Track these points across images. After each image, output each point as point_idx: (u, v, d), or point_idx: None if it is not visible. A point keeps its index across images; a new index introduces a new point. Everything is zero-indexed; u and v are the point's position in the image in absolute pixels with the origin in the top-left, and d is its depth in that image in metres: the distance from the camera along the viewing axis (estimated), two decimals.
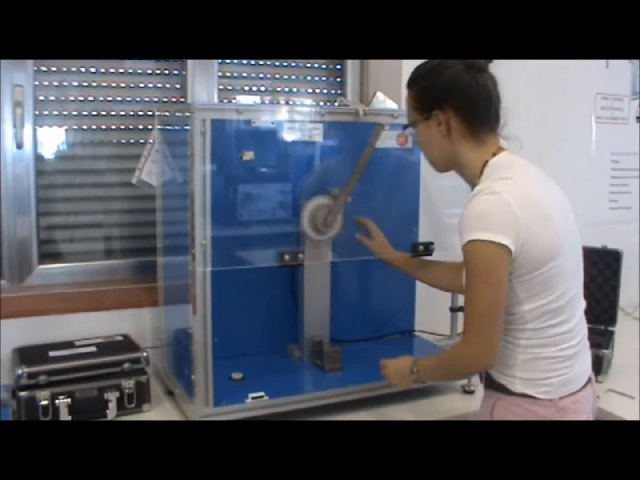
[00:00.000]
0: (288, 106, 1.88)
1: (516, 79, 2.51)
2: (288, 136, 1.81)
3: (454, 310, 2.25)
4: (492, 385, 1.50)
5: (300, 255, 1.88)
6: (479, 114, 1.47)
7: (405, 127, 1.62)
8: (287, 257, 1.85)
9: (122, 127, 2.27)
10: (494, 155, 1.48)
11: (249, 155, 1.79)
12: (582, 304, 1.52)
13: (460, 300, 2.03)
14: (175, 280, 1.98)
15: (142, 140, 2.24)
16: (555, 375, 1.42)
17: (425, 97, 1.52)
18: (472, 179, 1.50)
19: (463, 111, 1.47)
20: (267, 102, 2.29)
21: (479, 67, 1.46)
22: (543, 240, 1.37)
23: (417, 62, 1.58)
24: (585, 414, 1.46)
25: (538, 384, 1.43)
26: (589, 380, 1.50)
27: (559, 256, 1.39)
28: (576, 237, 1.49)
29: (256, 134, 1.79)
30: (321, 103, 2.52)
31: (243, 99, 1.75)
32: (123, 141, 2.28)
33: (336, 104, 1.92)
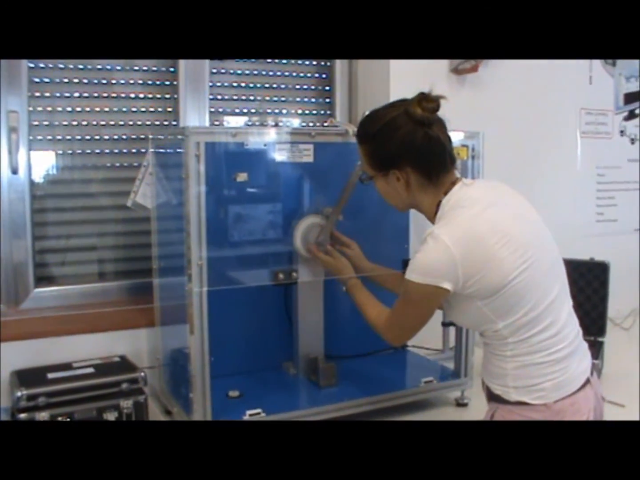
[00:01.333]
0: (279, 128, 1.93)
1: (501, 95, 2.58)
2: (279, 157, 1.84)
3: (445, 324, 2.30)
4: (492, 397, 1.53)
5: (294, 274, 1.94)
6: (436, 165, 1.52)
7: (362, 180, 1.67)
8: (281, 275, 1.92)
9: (116, 150, 2.31)
10: (445, 193, 1.53)
11: (242, 176, 1.84)
12: (568, 303, 1.53)
13: None
14: (171, 301, 2.01)
15: (135, 164, 2.27)
16: (547, 379, 1.44)
17: (380, 157, 1.56)
18: (431, 219, 1.57)
19: (420, 167, 1.52)
20: (257, 123, 2.35)
21: (428, 122, 1.49)
22: (489, 273, 1.41)
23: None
24: (584, 415, 1.45)
25: (531, 390, 1.45)
26: (588, 380, 1.50)
27: (518, 276, 1.42)
28: (544, 244, 1.51)
29: (248, 156, 1.83)
30: (311, 124, 2.58)
31: (233, 121, 1.78)
32: (117, 165, 2.32)
33: (326, 124, 1.96)
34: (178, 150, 1.72)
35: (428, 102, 1.49)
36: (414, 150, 1.49)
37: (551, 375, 1.45)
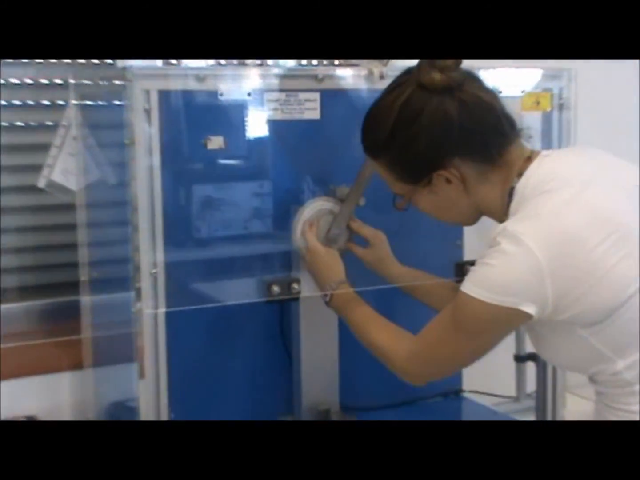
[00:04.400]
0: (268, 68, 1.93)
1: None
2: (271, 112, 1.88)
3: (520, 359, 2.32)
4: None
5: (295, 285, 1.96)
6: (493, 137, 1.57)
7: (398, 206, 1.73)
8: (275, 288, 1.93)
9: (17, 102, 2.31)
10: (519, 175, 1.56)
11: (216, 142, 1.85)
12: None
13: (529, 346, 2.10)
14: (109, 329, 2.05)
15: (50, 123, 2.28)
16: None
17: (410, 164, 1.60)
18: (502, 217, 1.58)
19: (472, 150, 1.56)
20: (235, 62, 2.31)
21: (456, 83, 1.54)
22: (595, 288, 1.42)
23: None
24: None
25: None
26: None
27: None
28: None
29: (224, 111, 1.87)
30: (315, 62, 2.45)
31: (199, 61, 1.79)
32: (21, 124, 2.33)
33: (337, 62, 2.00)
34: (116, 102, 1.77)
35: (443, 59, 1.54)
36: (454, 131, 1.53)
37: None
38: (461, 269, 2.10)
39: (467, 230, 2.24)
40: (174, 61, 2.25)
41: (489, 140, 1.56)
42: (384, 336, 1.75)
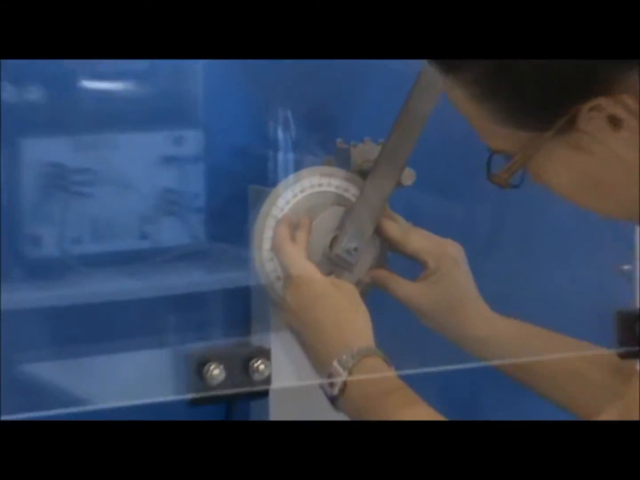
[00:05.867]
0: None
1: None
2: None
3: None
4: None
5: (259, 365, 1.52)
6: None
7: (495, 180, 1.40)
8: (215, 370, 1.50)
9: None
10: None
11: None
12: None
13: None
14: None
15: None
16: None
17: (533, 87, 1.26)
18: None
19: None
20: None
21: None
22: None
23: None
24: None
25: None
26: None
27: None
28: None
29: None
30: None
31: None
32: None
33: None
34: None
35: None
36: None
37: None
38: (632, 326, 1.72)
39: None
40: None
41: None
42: None
